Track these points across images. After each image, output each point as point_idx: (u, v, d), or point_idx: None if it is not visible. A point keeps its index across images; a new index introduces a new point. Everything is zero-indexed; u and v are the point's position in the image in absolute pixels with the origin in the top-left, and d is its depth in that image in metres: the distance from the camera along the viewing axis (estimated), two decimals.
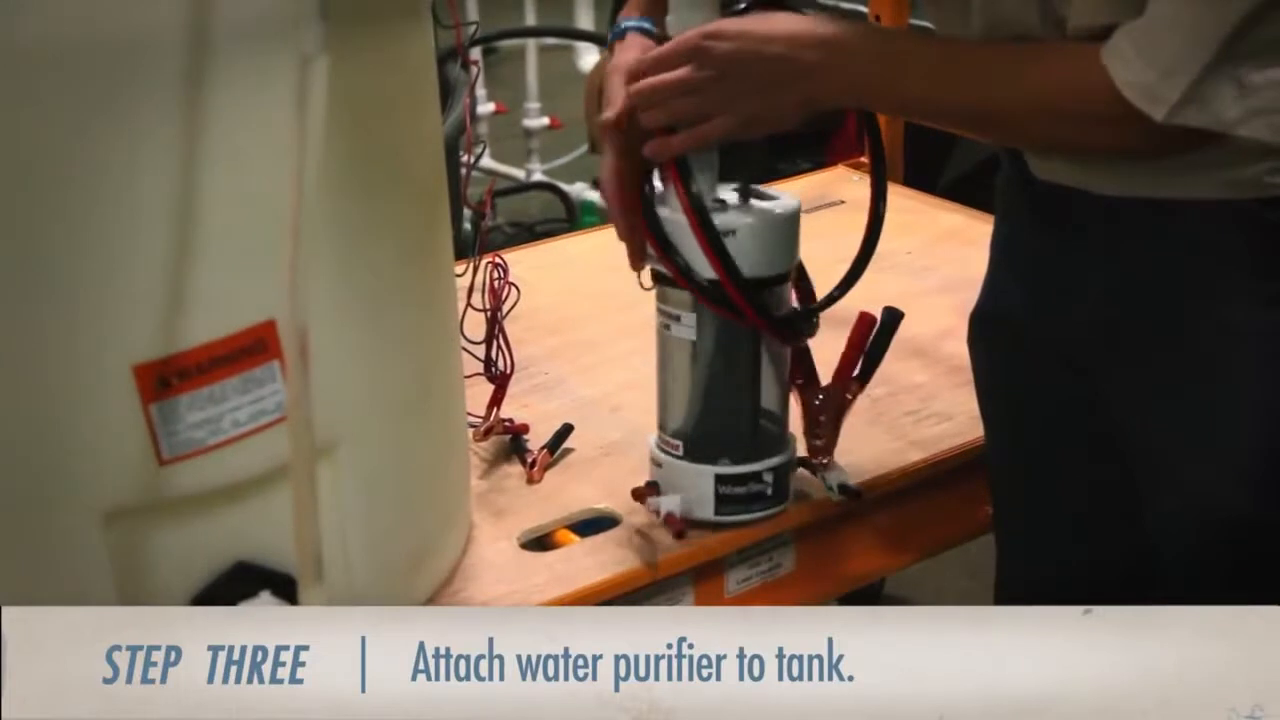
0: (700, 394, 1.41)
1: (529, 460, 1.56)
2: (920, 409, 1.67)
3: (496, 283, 1.58)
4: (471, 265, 1.57)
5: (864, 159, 2.45)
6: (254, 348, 1.12)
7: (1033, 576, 1.53)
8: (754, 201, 1.36)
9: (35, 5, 0.98)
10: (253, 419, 1.14)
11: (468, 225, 3.72)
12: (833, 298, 1.45)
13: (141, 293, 1.07)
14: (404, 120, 1.24)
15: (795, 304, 1.45)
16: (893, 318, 1.53)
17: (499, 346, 1.59)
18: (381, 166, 1.20)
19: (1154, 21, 1.12)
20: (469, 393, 1.59)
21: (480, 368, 1.60)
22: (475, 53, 4.19)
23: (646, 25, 1.38)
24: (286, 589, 1.17)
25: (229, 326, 1.11)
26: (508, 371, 1.60)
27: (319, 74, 0.99)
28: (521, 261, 2.12)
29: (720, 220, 1.31)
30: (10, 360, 1.06)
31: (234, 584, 1.18)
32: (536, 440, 1.61)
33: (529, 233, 3.74)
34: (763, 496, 1.43)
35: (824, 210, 2.28)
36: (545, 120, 4.18)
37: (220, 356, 1.11)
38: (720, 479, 1.41)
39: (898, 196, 2.34)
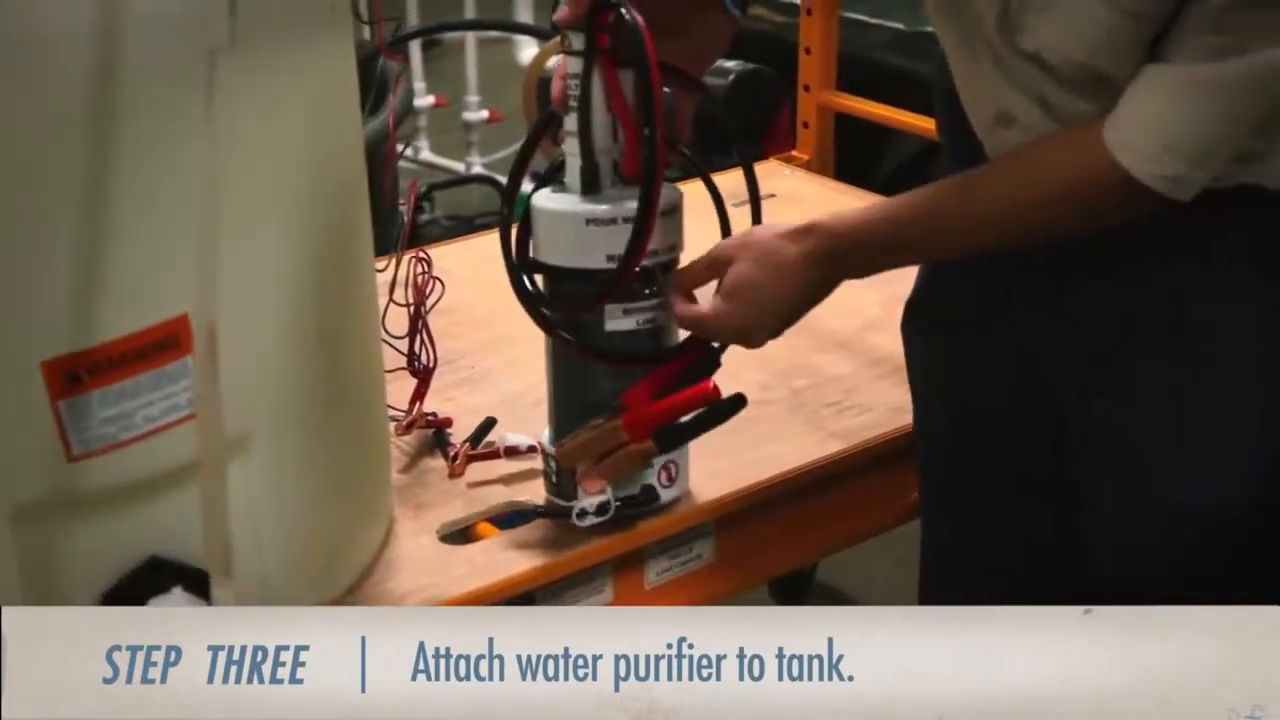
0: (552, 389, 1.44)
1: (451, 454, 1.57)
2: (842, 400, 1.69)
3: (420, 278, 1.58)
4: (394, 260, 1.57)
5: (798, 153, 2.49)
6: (166, 343, 1.12)
7: (961, 563, 1.56)
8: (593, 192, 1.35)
9: None
10: (165, 414, 1.14)
11: (406, 219, 3.72)
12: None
13: (49, 289, 1.07)
14: (321, 117, 1.24)
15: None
16: (735, 405, 1.41)
17: (422, 341, 1.60)
18: (297, 163, 1.20)
19: (1185, 116, 1.14)
20: (393, 387, 1.59)
21: (404, 362, 1.60)
22: (414, 46, 4.19)
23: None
24: (200, 584, 1.17)
25: (141, 321, 1.11)
26: (431, 366, 1.60)
27: (227, 69, 0.99)
28: (452, 255, 2.13)
29: (537, 195, 1.36)
30: None
31: (146, 580, 1.18)
32: (460, 434, 1.61)
33: (468, 226, 3.73)
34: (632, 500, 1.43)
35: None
36: (484, 113, 4.18)
37: (132, 351, 1.11)
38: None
39: (830, 191, 2.38)
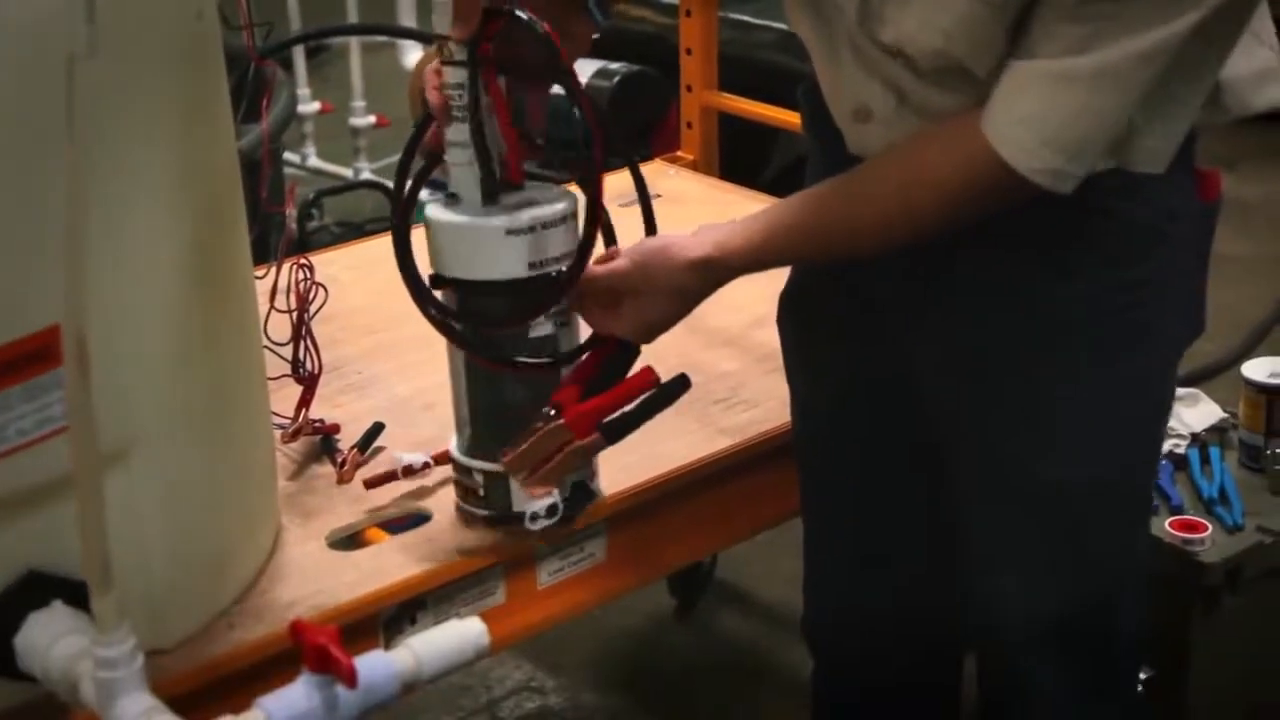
0: (460, 392, 1.44)
1: (339, 460, 1.56)
2: (729, 397, 1.70)
3: (302, 284, 1.57)
4: (275, 268, 1.56)
5: (683, 153, 2.50)
6: (37, 354, 1.11)
7: (840, 549, 1.59)
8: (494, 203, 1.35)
9: None
10: (38, 426, 1.13)
11: (293, 225, 3.69)
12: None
13: None
14: (190, 121, 1.23)
15: None
16: (679, 386, 1.43)
17: (306, 347, 1.59)
18: (166, 168, 1.19)
19: (1057, 109, 1.17)
20: (278, 394, 1.58)
21: (289, 369, 1.59)
22: (298, 52, 4.15)
23: None
24: (81, 598, 1.15)
25: (11, 333, 1.09)
26: (316, 372, 1.59)
27: (91, 76, 0.98)
28: (337, 261, 2.13)
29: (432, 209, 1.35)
30: None
31: (26, 593, 1.17)
32: (348, 440, 1.61)
33: (358, 232, 3.70)
34: (476, 494, 1.44)
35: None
36: (372, 119, 4.14)
37: (2, 364, 1.09)
38: (455, 466, 1.45)
39: (715, 190, 2.39)
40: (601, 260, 1.38)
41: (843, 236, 1.30)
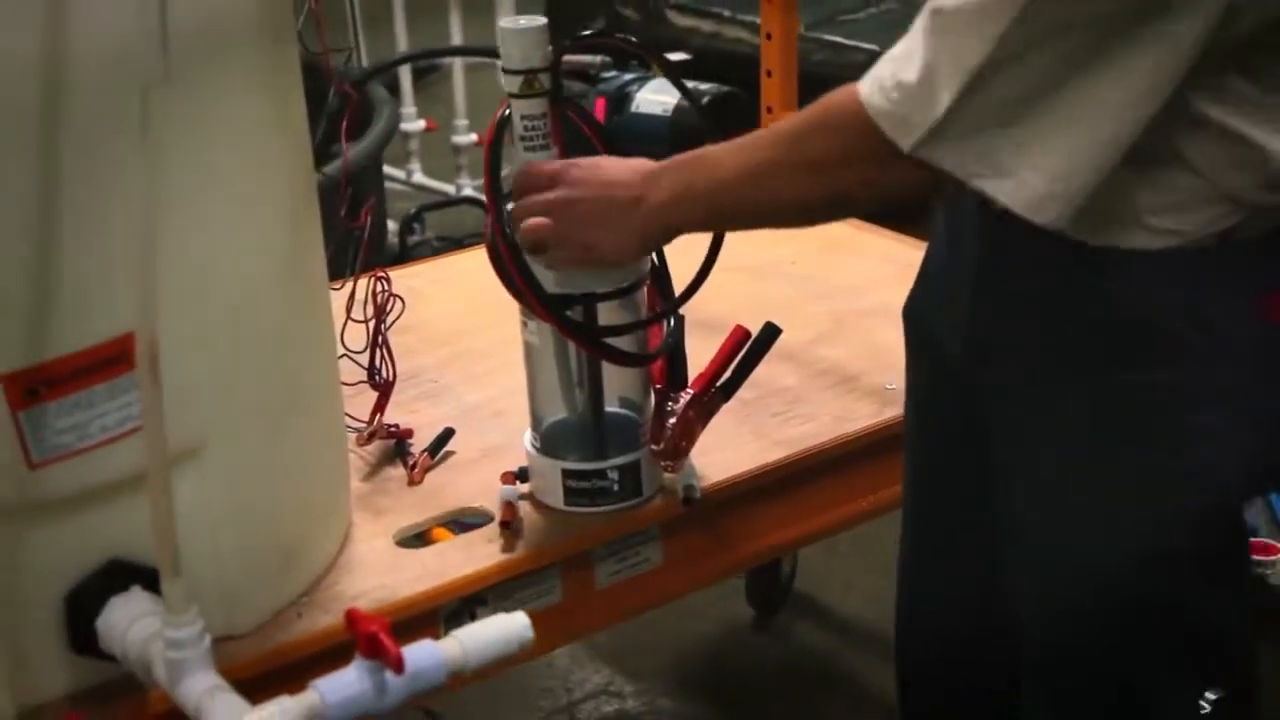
0: (549, 394, 1.51)
1: (410, 463, 1.64)
2: (786, 410, 1.75)
3: (379, 296, 1.65)
4: (353, 279, 1.65)
5: None
6: (120, 356, 1.19)
7: (920, 579, 1.61)
8: None
9: None
10: (120, 424, 1.22)
11: (393, 239, 3.81)
12: (666, 311, 1.53)
13: (7, 307, 1.14)
14: (267, 138, 1.32)
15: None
16: (769, 334, 1.57)
17: (382, 356, 1.67)
18: (242, 184, 1.28)
19: (909, 51, 1.15)
20: (356, 400, 1.67)
21: (366, 376, 1.67)
22: (404, 72, 4.28)
23: None
24: (157, 583, 1.23)
25: (94, 337, 1.18)
26: (390, 379, 1.67)
27: (170, 96, 1.06)
28: (421, 275, 2.22)
29: None
30: None
31: (107, 580, 1.26)
32: (420, 444, 1.68)
33: (458, 246, 3.80)
34: (608, 492, 1.51)
35: None
36: (474, 137, 4.25)
37: (86, 366, 1.19)
38: (566, 473, 1.51)
39: None
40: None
41: (742, 168, 1.30)
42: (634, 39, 1.60)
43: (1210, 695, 1.77)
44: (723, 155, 1.32)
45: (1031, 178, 1.12)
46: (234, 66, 1.24)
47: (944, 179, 1.17)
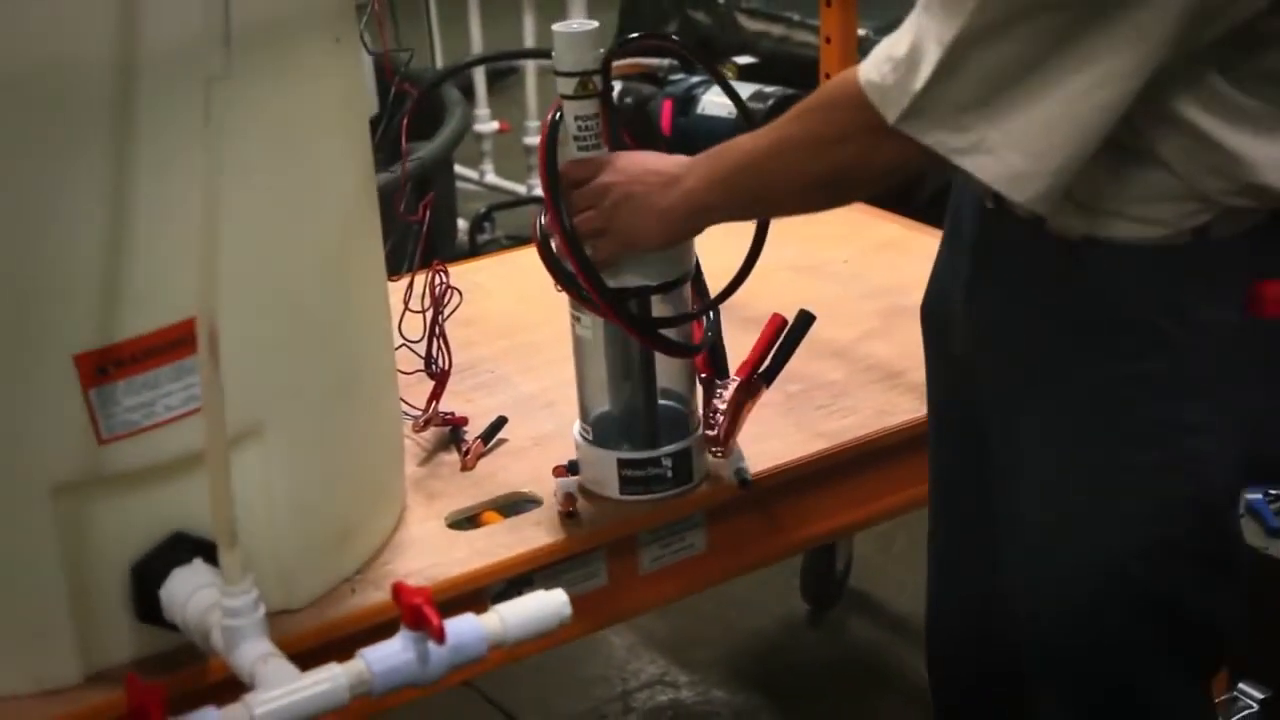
0: (601, 386, 1.55)
1: (464, 449, 1.70)
2: (831, 404, 1.79)
3: (438, 288, 1.72)
4: (411, 272, 1.71)
5: None
6: (184, 339, 1.26)
7: (944, 573, 1.65)
8: None
9: None
10: (184, 403, 1.29)
11: (463, 237, 3.88)
12: (713, 303, 1.59)
13: (81, 290, 1.22)
14: (326, 132, 1.39)
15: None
16: (804, 320, 1.64)
17: (439, 346, 1.73)
18: (300, 178, 1.34)
19: (903, 28, 1.18)
20: (415, 388, 1.74)
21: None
22: (479, 74, 4.36)
23: None
24: (217, 557, 1.30)
25: (162, 320, 1.25)
26: (446, 368, 1.74)
27: (234, 91, 1.13)
28: (484, 270, 2.28)
29: None
30: None
31: (170, 552, 1.33)
32: (475, 432, 1.74)
33: (526, 244, 3.88)
34: (663, 479, 1.56)
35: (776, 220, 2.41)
36: None
37: (153, 347, 1.26)
38: (622, 463, 1.55)
39: (856, 213, 2.48)
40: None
41: (759, 152, 1.34)
42: (678, 40, 1.65)
43: (1258, 694, 1.79)
44: (746, 139, 1.37)
45: (1009, 155, 1.15)
46: (296, 64, 1.31)
47: (930, 157, 1.19)
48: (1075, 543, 1.32)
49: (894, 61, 1.17)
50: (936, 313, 1.50)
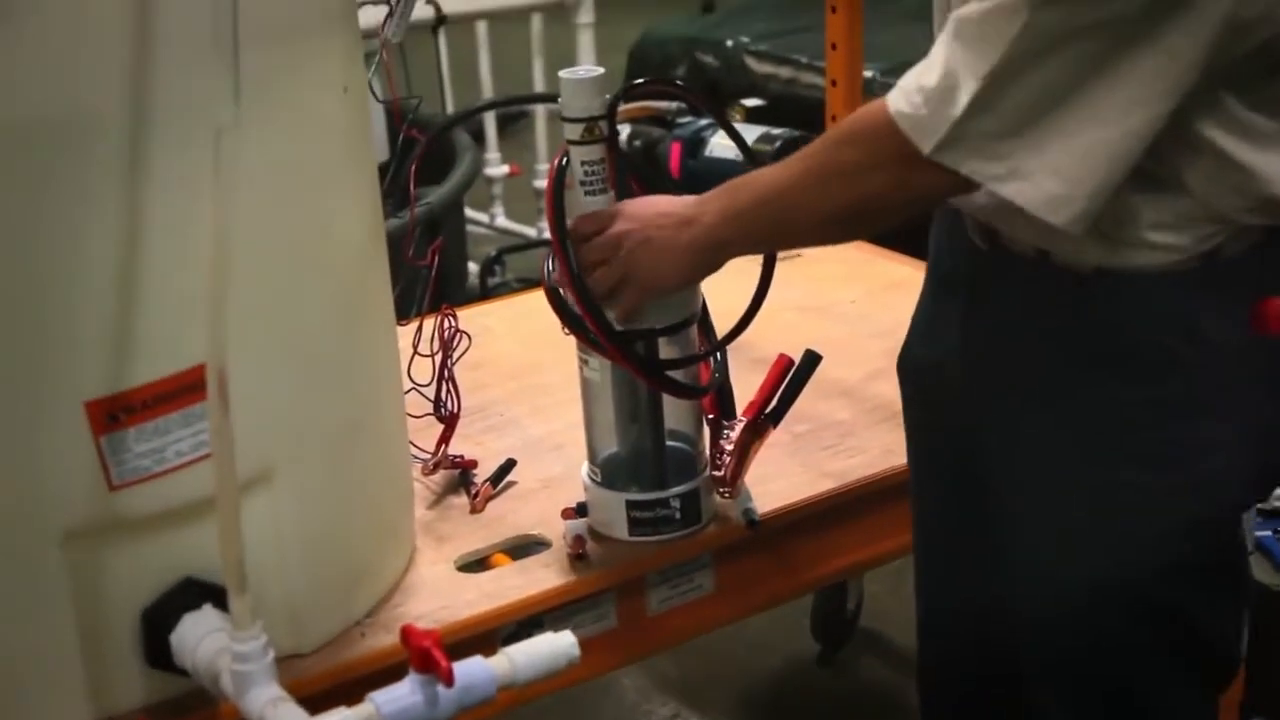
0: (609, 428, 1.56)
1: (473, 492, 1.71)
2: (837, 444, 1.80)
3: (446, 331, 1.73)
4: (421, 316, 1.72)
5: None
6: (194, 386, 1.27)
7: (934, 604, 1.66)
8: None
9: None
10: (194, 449, 1.30)
11: (474, 280, 3.90)
12: (719, 345, 1.60)
13: (92, 338, 1.23)
14: (335, 179, 1.40)
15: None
16: (810, 360, 1.65)
17: (448, 390, 1.74)
18: (309, 226, 1.36)
19: (934, 59, 1.19)
20: (425, 432, 1.75)
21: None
22: (489, 118, 4.39)
23: None
24: (228, 602, 1.31)
25: (171, 367, 1.27)
26: (455, 412, 1.75)
27: (243, 140, 1.14)
28: (493, 313, 2.29)
29: None
30: None
31: (181, 597, 1.33)
32: (484, 475, 1.75)
33: (536, 287, 3.89)
34: (671, 520, 1.57)
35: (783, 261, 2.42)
36: None
37: (163, 394, 1.27)
38: (630, 504, 1.56)
39: (851, 249, 2.50)
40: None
41: (783, 182, 1.33)
42: (684, 85, 1.66)
43: None
44: (764, 172, 1.38)
45: (1046, 181, 1.17)
46: (305, 114, 1.33)
47: (963, 185, 1.21)
48: (1079, 560, 1.33)
49: (925, 92, 1.18)
50: (920, 361, 1.52)
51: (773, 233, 1.42)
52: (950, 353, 1.44)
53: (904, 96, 1.21)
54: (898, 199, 1.28)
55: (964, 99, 1.16)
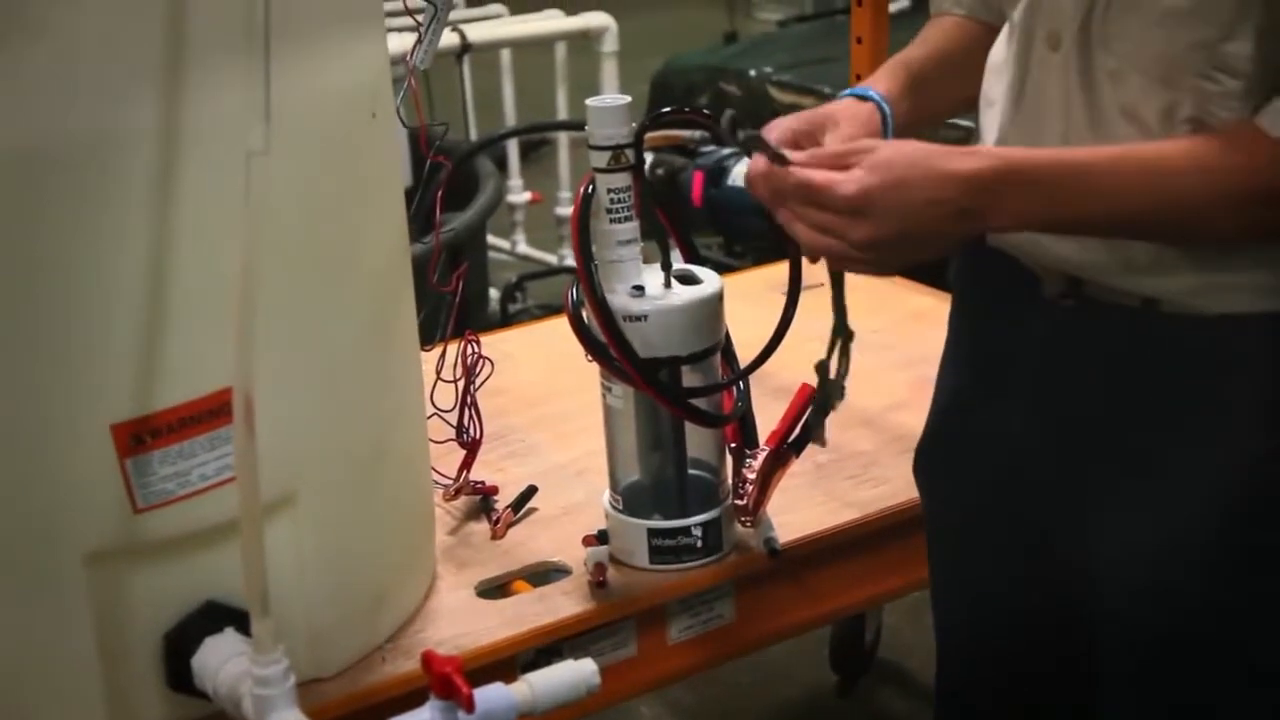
0: (631, 456, 1.56)
1: (494, 518, 1.71)
2: (860, 474, 1.80)
3: (469, 358, 1.73)
4: (444, 342, 1.73)
5: None
6: (219, 410, 1.28)
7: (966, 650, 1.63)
8: (675, 287, 1.51)
9: (30, 110, 1.16)
10: (219, 473, 1.30)
11: (495, 306, 3.91)
12: (743, 373, 1.60)
13: (119, 360, 1.24)
14: (362, 205, 1.41)
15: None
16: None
17: (470, 415, 1.74)
18: (336, 250, 1.36)
19: None
20: (447, 457, 1.75)
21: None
22: (511, 145, 4.41)
23: (870, 94, 1.46)
24: (249, 626, 1.31)
25: (197, 390, 1.27)
26: (478, 438, 1.75)
27: (262, 169, 1.15)
28: (513, 340, 2.30)
29: (634, 306, 1.48)
30: (3, 418, 1.22)
31: (203, 621, 1.33)
32: (505, 501, 1.75)
33: (558, 314, 3.91)
34: (693, 549, 1.57)
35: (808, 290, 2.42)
36: None
37: (189, 417, 1.27)
38: (652, 532, 1.56)
39: (874, 279, 2.49)
40: (821, 163, 1.24)
41: (1132, 193, 1.20)
42: (709, 114, 1.66)
43: None
44: (1090, 179, 1.21)
45: None
46: (334, 140, 1.33)
47: None
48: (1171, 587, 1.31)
49: None
50: (958, 446, 1.52)
51: (1088, 234, 1.27)
52: (1021, 425, 1.41)
53: None
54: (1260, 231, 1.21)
55: None
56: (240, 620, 1.31)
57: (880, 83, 1.49)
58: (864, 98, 1.46)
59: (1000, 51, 1.38)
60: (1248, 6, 1.16)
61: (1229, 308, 1.24)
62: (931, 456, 1.60)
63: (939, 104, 1.54)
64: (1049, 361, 1.37)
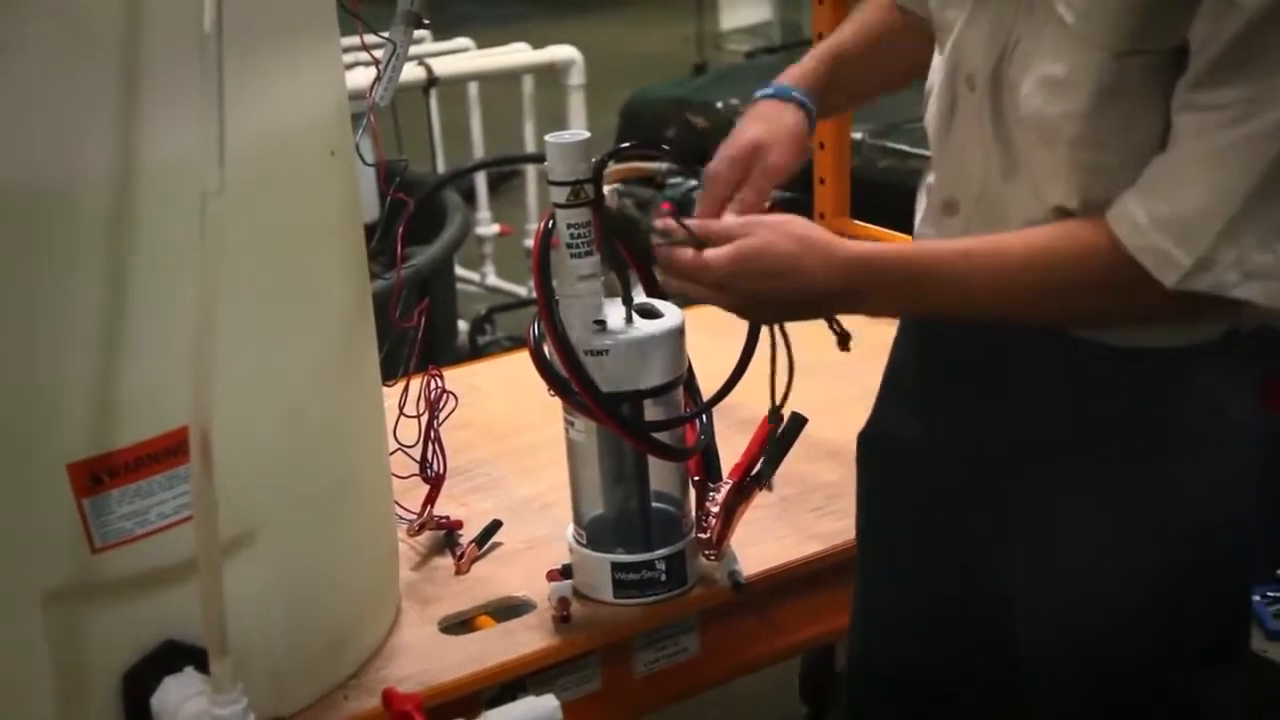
0: (595, 490, 1.56)
1: (458, 553, 1.71)
2: (825, 505, 1.80)
3: (432, 393, 1.73)
4: (407, 377, 1.72)
5: None
6: (177, 448, 1.27)
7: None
8: (637, 320, 1.51)
9: None
10: (176, 511, 1.30)
11: (464, 338, 3.91)
12: (706, 406, 1.60)
13: (76, 399, 1.23)
14: (319, 247, 1.41)
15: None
16: (797, 422, 1.65)
17: (434, 450, 1.74)
18: (295, 287, 1.36)
19: (1170, 192, 1.17)
20: (412, 492, 1.74)
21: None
22: (480, 178, 4.41)
23: (793, 94, 1.52)
24: (208, 664, 1.31)
25: (154, 429, 1.27)
26: (441, 473, 1.75)
27: (218, 208, 1.15)
28: (480, 373, 2.29)
29: (596, 341, 1.49)
30: None
31: (162, 660, 1.33)
32: (469, 536, 1.75)
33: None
34: (657, 582, 1.57)
35: None
36: None
37: (147, 456, 1.27)
38: (616, 566, 1.56)
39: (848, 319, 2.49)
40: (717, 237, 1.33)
41: (985, 286, 1.26)
42: (668, 149, 1.67)
43: None
44: (953, 273, 1.27)
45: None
46: (291, 178, 1.33)
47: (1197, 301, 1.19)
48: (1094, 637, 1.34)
49: (1166, 225, 1.16)
50: (902, 431, 1.54)
51: (943, 307, 1.32)
52: (964, 437, 1.42)
53: (1137, 232, 1.18)
54: (1115, 319, 1.26)
55: (1216, 226, 1.15)
56: (200, 659, 1.31)
57: (807, 70, 1.54)
58: (785, 98, 1.52)
59: (935, 76, 1.40)
60: (1117, 87, 1.19)
61: (1142, 342, 1.27)
62: (869, 445, 1.61)
63: (862, 85, 1.60)
64: (981, 382, 1.39)
